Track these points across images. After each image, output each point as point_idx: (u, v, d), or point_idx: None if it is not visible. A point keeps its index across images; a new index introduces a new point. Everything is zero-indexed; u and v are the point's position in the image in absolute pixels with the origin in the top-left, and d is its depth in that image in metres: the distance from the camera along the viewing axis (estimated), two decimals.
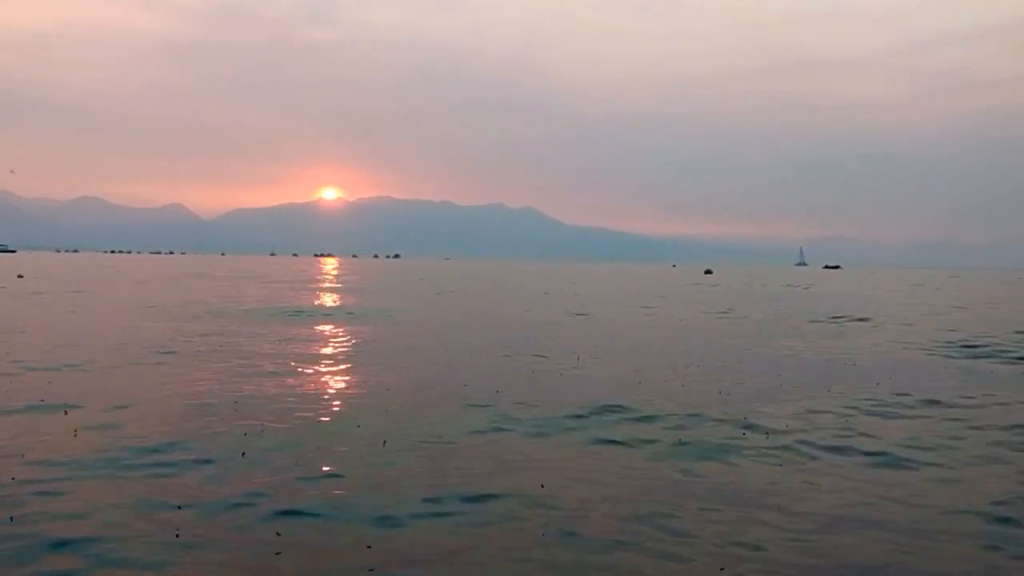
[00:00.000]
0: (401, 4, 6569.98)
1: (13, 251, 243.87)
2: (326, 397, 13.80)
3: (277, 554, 6.59)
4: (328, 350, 20.70)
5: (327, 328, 26.69)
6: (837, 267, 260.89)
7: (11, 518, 7.18)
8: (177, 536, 6.83)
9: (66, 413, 11.59)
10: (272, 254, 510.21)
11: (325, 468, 9.14)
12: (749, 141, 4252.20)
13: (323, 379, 15.85)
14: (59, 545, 6.62)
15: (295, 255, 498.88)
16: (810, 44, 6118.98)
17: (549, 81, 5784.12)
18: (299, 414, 12.04)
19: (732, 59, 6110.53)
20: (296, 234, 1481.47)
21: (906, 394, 14.47)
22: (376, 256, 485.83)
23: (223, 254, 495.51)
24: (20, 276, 64.66)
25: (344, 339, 23.39)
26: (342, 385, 15.26)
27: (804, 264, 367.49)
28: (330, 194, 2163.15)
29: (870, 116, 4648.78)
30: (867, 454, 10.04)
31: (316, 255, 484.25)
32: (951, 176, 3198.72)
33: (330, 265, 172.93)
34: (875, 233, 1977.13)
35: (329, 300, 44.06)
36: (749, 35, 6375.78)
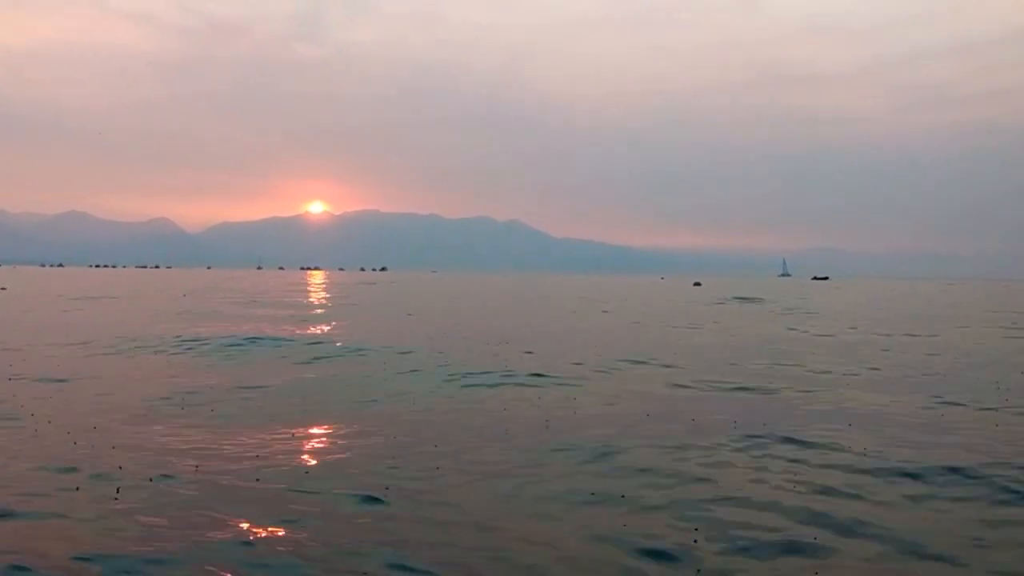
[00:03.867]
0: (387, 22, 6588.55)
1: None
2: None
3: None
4: None
5: None
6: (826, 278, 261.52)
7: None
8: None
9: None
10: (259, 267, 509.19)
11: None
12: (735, 153, 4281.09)
13: None
14: None
15: (282, 268, 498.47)
16: (796, 58, 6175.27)
17: (534, 95, 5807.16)
18: None
19: (718, 73, 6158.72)
20: (283, 247, 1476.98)
21: None
22: (363, 269, 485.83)
23: (209, 268, 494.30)
24: (2, 288, 65.97)
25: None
26: None
27: (788, 275, 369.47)
28: (316, 208, 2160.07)
29: (855, 129, 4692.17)
30: None
31: (303, 268, 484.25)
32: (935, 187, 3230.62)
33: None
34: (861, 244, 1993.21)
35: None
36: (735, 49, 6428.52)
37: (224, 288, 77.04)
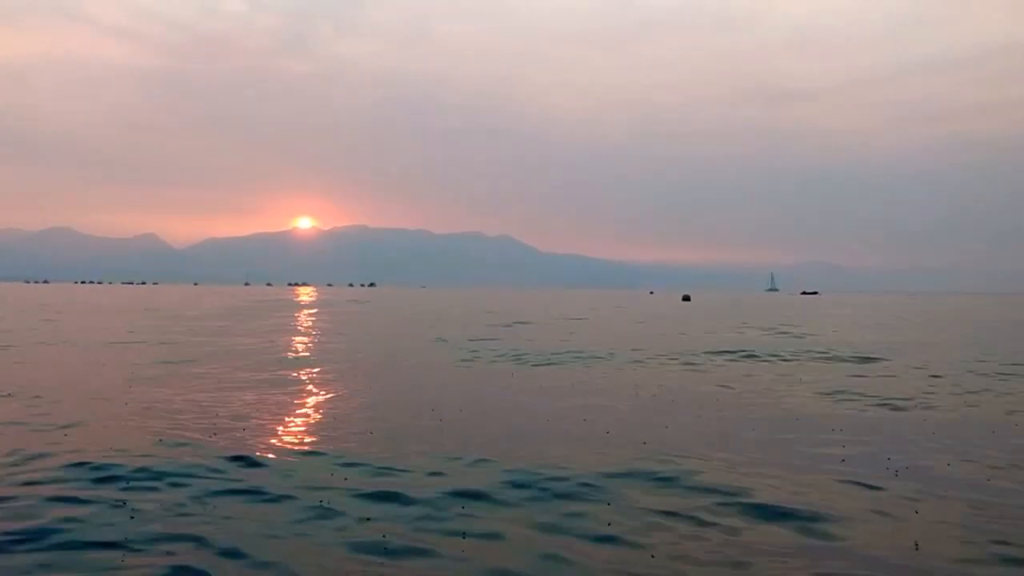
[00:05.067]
0: (376, 37, 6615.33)
1: None
2: None
3: None
4: None
5: None
6: (815, 293, 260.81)
7: None
8: None
9: None
10: (246, 283, 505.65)
11: None
12: (723, 168, 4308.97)
13: None
14: None
15: (269, 284, 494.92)
16: (784, 74, 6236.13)
17: (523, 110, 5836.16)
18: None
19: (705, 88, 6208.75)
20: (271, 263, 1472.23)
21: None
22: (351, 285, 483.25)
23: (196, 284, 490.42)
24: None
25: None
26: None
27: (775, 290, 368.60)
28: (305, 223, 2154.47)
29: (842, 143, 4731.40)
30: None
31: (290, 284, 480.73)
32: (923, 201, 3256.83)
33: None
34: (851, 258, 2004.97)
35: None
36: (721, 65, 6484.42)
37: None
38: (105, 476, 8.18)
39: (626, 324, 45.54)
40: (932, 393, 15.78)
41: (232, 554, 6.07)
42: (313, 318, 50.02)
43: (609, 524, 6.84)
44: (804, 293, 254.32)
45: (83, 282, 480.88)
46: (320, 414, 12.67)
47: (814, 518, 7.00)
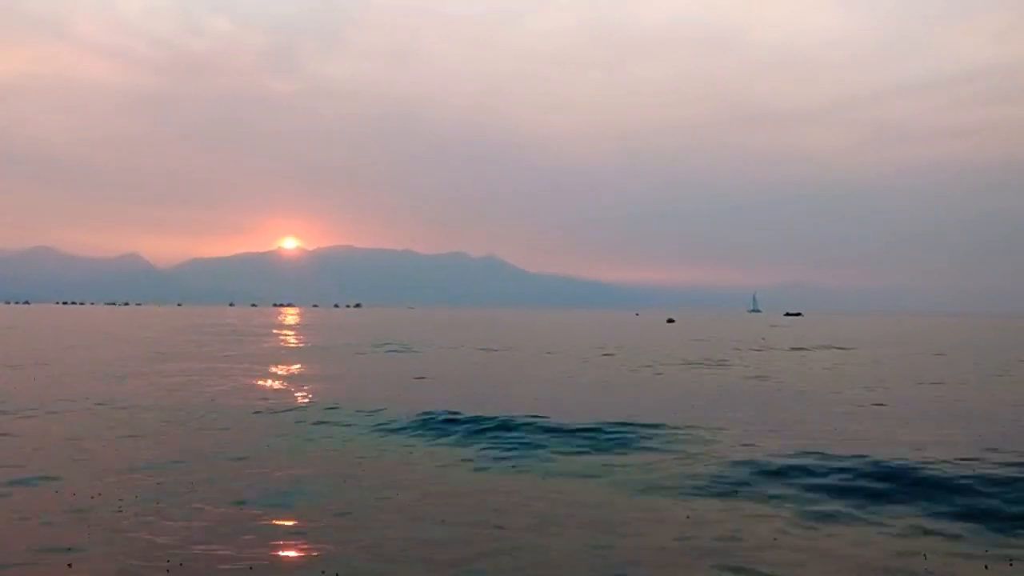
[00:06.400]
0: (361, 57, 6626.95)
1: None
2: None
3: None
4: None
5: None
6: (799, 314, 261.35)
7: None
8: None
9: None
10: (231, 304, 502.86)
11: None
12: (707, 189, 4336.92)
13: None
14: None
15: (254, 305, 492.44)
16: (762, 96, 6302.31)
17: (508, 131, 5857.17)
18: None
19: (686, 110, 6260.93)
20: (255, 284, 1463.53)
21: None
22: (337, 306, 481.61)
23: (179, 304, 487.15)
24: None
25: None
26: None
27: (758, 311, 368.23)
28: (290, 243, 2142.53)
29: (820, 164, 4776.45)
30: None
31: (275, 305, 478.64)
32: (900, 222, 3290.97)
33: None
34: (831, 278, 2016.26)
35: None
36: (702, 87, 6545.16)
37: None
38: None
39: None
40: None
41: None
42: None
43: None
44: (788, 314, 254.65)
45: (65, 302, 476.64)
46: None
47: None
